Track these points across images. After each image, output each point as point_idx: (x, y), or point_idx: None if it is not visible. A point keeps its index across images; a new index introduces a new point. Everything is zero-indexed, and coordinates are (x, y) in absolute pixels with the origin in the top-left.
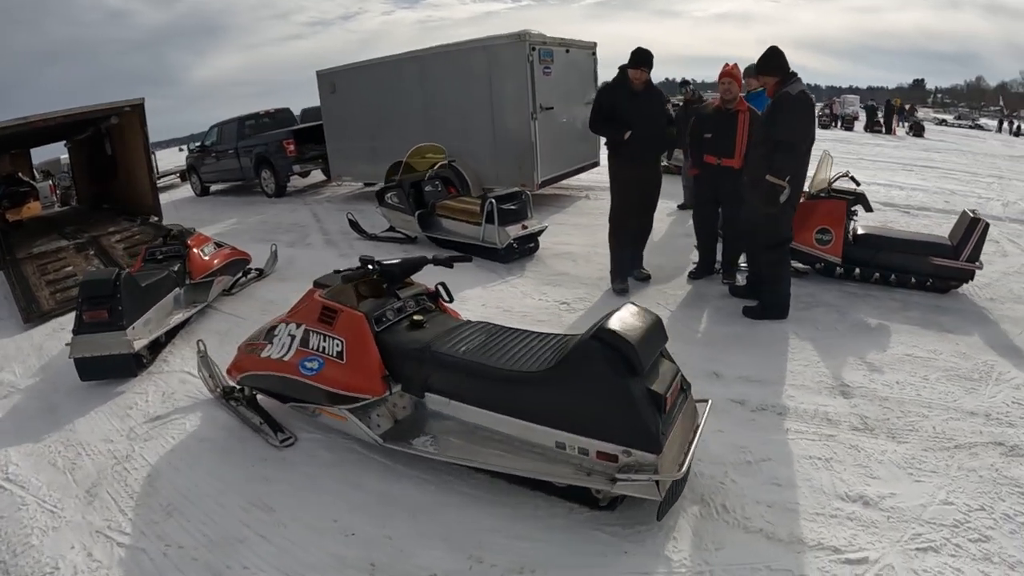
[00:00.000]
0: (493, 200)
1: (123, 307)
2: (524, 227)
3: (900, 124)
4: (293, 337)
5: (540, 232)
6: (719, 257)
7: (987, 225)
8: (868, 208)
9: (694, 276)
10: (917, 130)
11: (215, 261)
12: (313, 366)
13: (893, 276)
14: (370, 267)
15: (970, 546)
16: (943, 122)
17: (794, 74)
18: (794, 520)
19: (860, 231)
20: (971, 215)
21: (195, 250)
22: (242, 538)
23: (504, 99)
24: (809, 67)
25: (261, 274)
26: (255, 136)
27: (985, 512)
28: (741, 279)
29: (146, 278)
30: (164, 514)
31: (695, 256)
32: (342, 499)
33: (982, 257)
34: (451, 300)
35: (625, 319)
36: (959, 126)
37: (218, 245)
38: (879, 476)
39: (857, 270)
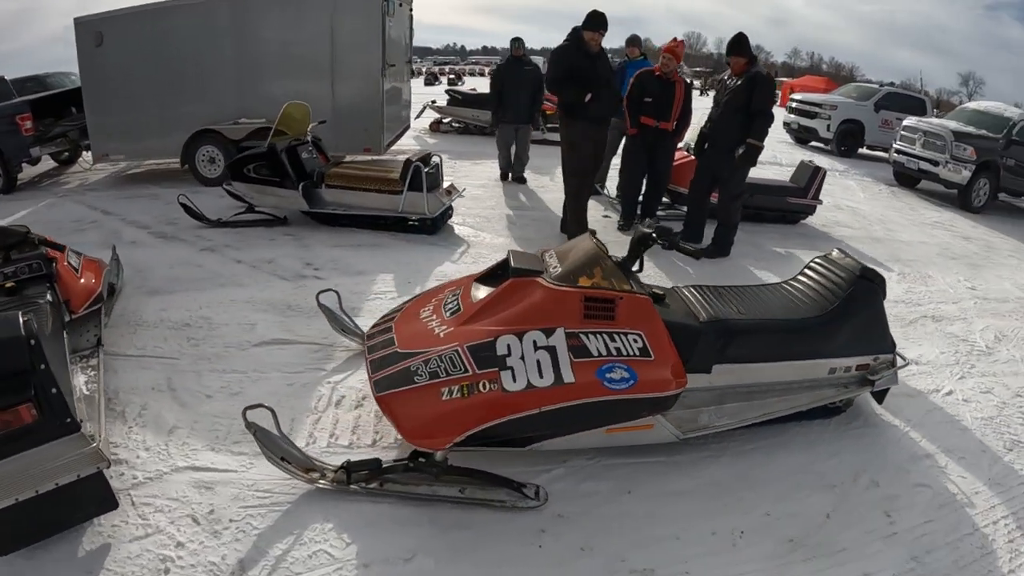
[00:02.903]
0: (420, 163)
1: (57, 388)
2: (449, 192)
3: None
4: (552, 350)
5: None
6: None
7: (825, 171)
8: None
9: (623, 228)
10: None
11: (92, 278)
12: (621, 376)
13: (763, 213)
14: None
15: None
16: None
17: (756, 56)
18: None
19: None
20: (810, 164)
21: (63, 264)
22: None
23: (350, 53)
24: (494, 31)
25: (112, 290)
26: None
27: None
28: (643, 224)
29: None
30: None
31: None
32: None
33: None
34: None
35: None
36: None
37: (73, 252)
38: None
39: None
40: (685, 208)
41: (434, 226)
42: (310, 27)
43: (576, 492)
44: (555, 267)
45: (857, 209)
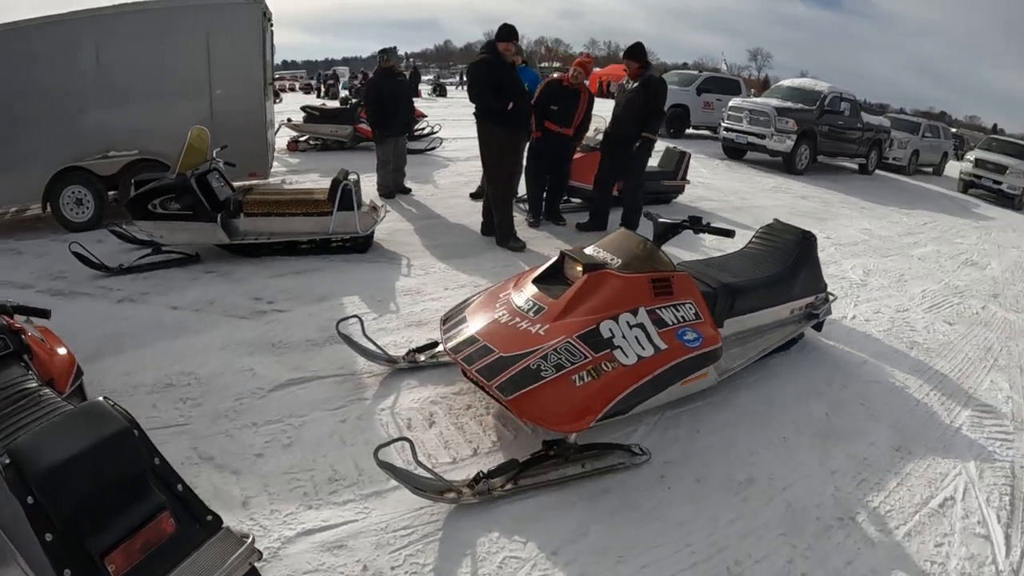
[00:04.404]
0: (350, 179)
1: (183, 482)
2: (375, 209)
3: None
4: (640, 326)
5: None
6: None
7: (690, 155)
8: None
9: (533, 224)
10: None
11: (59, 346)
12: (693, 336)
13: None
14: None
15: None
16: None
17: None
18: None
19: None
20: (676, 150)
21: (28, 334)
22: None
23: (229, 72)
24: (288, 43)
25: None
26: None
27: None
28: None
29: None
30: None
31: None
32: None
33: None
34: None
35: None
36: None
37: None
38: None
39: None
40: (579, 200)
41: (366, 244)
42: (184, 48)
43: (664, 441)
44: (613, 259)
45: (709, 184)
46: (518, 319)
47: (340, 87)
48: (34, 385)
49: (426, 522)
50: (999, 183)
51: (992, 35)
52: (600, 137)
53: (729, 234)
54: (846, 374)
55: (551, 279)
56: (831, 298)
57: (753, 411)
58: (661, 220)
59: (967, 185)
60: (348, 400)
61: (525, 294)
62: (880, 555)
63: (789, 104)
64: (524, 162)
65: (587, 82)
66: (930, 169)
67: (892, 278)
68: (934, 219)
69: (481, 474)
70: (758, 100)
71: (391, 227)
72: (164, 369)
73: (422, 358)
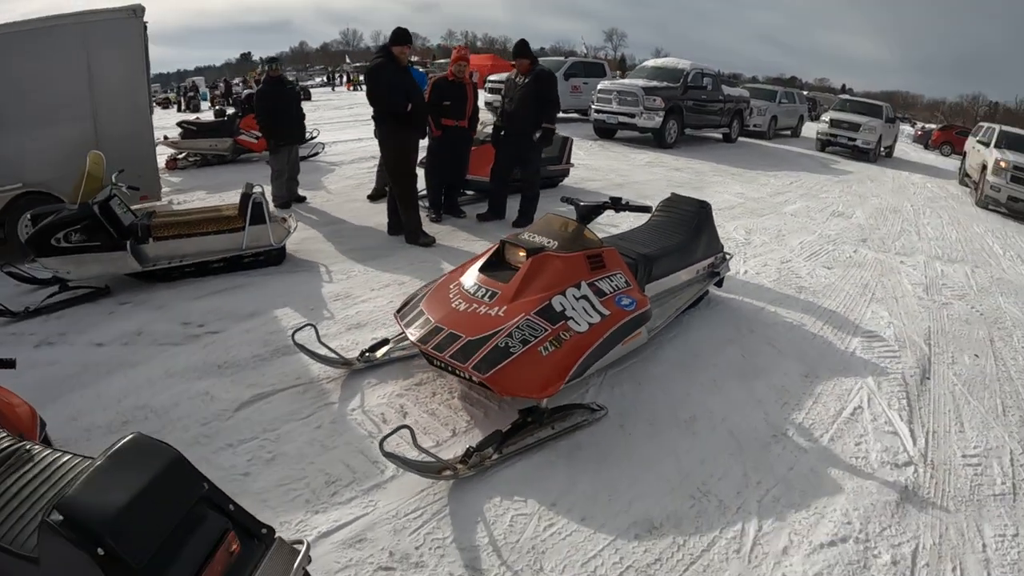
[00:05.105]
0: (255, 192)
1: (232, 502)
2: (284, 220)
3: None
4: (586, 298)
5: None
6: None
7: (572, 140)
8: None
9: (436, 219)
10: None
11: (12, 397)
12: (628, 301)
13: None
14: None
15: None
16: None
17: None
18: None
19: None
20: (559, 135)
21: None
22: None
23: (113, 90)
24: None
25: None
26: None
27: None
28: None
29: None
30: None
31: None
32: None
33: None
34: None
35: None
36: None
37: None
38: None
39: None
40: (472, 192)
41: (280, 256)
42: (63, 67)
43: (613, 397)
44: (550, 242)
45: (589, 164)
46: (475, 305)
47: (200, 98)
48: (11, 442)
49: (432, 501)
50: (854, 139)
51: (830, 1)
52: (488, 130)
53: (647, 209)
54: (751, 321)
55: (494, 267)
56: (728, 257)
57: (680, 361)
58: (583, 204)
59: (824, 144)
60: (316, 407)
61: (475, 282)
62: (814, 458)
63: (655, 83)
64: (414, 163)
65: (476, 77)
66: (788, 132)
67: (771, 234)
68: (799, 178)
69: (471, 449)
70: (625, 81)
71: (299, 237)
72: (114, 407)
73: (377, 356)
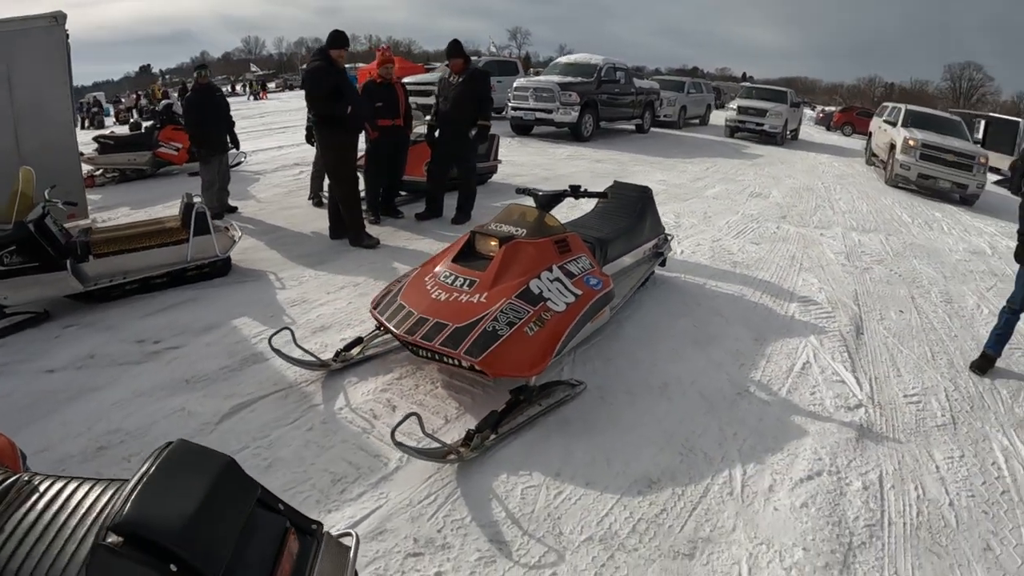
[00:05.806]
0: (199, 200)
1: (282, 501)
2: (228, 229)
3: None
4: (559, 280)
5: None
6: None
7: (499, 136)
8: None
9: (375, 221)
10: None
11: None
12: (595, 280)
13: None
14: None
15: None
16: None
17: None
18: None
19: None
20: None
21: None
22: None
23: (34, 100)
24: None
25: None
26: None
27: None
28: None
29: None
30: None
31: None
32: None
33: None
34: None
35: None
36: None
37: None
38: None
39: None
40: (405, 193)
41: (226, 267)
42: None
43: (587, 372)
44: (518, 230)
45: (513, 160)
46: (456, 294)
47: (104, 114)
48: (4, 475)
49: (442, 486)
50: (761, 124)
51: None
52: (422, 130)
53: (604, 195)
54: (696, 295)
55: (466, 257)
56: (669, 238)
57: (640, 336)
58: (542, 193)
59: (733, 130)
60: (302, 410)
61: (451, 272)
62: (778, 409)
63: (570, 79)
64: (354, 164)
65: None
66: (697, 120)
67: (699, 217)
68: (715, 163)
69: (471, 431)
70: (541, 79)
71: (240, 247)
72: (85, 434)
73: (353, 354)
